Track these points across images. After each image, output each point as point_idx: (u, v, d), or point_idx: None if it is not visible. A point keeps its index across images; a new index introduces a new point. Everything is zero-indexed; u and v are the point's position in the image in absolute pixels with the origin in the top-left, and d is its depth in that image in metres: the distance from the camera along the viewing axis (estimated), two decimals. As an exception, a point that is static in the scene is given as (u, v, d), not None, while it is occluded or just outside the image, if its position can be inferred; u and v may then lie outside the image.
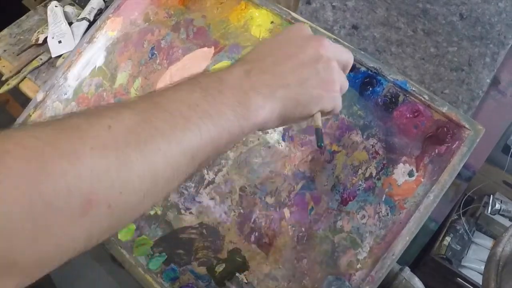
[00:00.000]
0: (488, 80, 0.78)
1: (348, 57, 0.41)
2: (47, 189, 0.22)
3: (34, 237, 0.22)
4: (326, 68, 0.37)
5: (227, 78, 0.34)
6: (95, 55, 0.77)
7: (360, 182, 0.53)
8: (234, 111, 0.32)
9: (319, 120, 0.39)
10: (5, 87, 0.91)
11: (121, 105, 0.30)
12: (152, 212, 0.63)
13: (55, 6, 0.96)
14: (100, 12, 0.97)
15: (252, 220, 0.57)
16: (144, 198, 0.28)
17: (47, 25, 0.96)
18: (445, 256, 1.08)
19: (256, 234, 0.56)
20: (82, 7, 1.01)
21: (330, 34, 0.60)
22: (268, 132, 0.60)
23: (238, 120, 0.33)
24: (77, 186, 0.24)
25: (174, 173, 0.29)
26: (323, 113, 0.39)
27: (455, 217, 1.16)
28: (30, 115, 0.77)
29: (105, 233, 0.27)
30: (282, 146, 0.58)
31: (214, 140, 0.31)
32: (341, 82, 0.39)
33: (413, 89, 0.54)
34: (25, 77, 0.92)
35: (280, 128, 0.59)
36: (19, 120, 0.77)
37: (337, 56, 0.39)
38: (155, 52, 0.72)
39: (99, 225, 0.26)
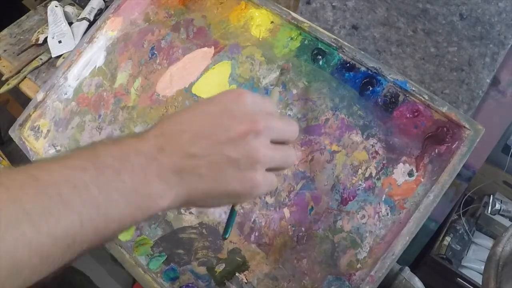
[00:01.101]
0: (488, 80, 0.78)
1: (290, 133, 0.35)
2: None
3: None
4: (251, 160, 0.30)
5: (130, 158, 0.29)
6: (95, 55, 0.77)
7: (360, 182, 0.53)
8: (128, 201, 0.28)
9: (234, 214, 0.35)
10: (5, 87, 0.91)
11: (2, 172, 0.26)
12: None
13: (55, 6, 0.96)
14: (100, 12, 0.97)
15: (252, 220, 0.57)
16: (3, 285, 0.24)
17: (47, 25, 0.96)
18: (445, 256, 1.08)
19: (256, 234, 0.56)
20: (82, 7, 1.01)
21: (330, 34, 0.60)
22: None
23: (130, 210, 0.28)
24: None
25: (44, 262, 0.25)
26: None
27: (455, 217, 1.16)
28: (30, 115, 0.77)
29: None
30: (282, 146, 0.58)
31: (98, 230, 0.27)
32: (277, 164, 0.33)
33: (413, 89, 0.54)
34: (25, 77, 0.92)
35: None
36: (20, 120, 0.77)
37: (274, 136, 0.32)
38: (155, 52, 0.72)
39: None
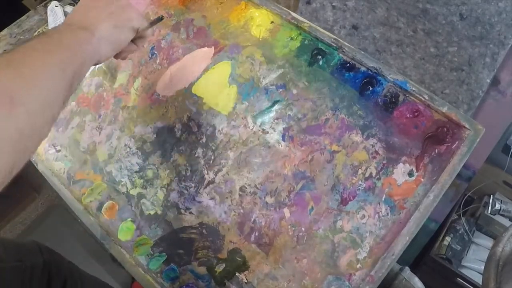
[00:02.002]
0: (488, 80, 0.78)
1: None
2: None
3: None
4: (120, 4, 0.51)
5: (61, 29, 0.45)
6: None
7: (360, 182, 0.53)
8: (77, 39, 0.44)
9: (144, 23, 0.54)
10: (5, 87, 0.91)
11: None
12: (152, 212, 0.63)
13: (55, 6, 0.96)
14: (100, 12, 0.97)
15: (252, 220, 0.57)
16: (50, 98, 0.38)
17: (47, 25, 0.96)
18: (445, 256, 1.09)
19: (256, 234, 0.56)
20: (82, 7, 1.00)
21: (330, 34, 0.60)
22: (268, 132, 0.60)
23: (81, 45, 0.44)
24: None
25: (56, 81, 0.39)
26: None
27: (455, 217, 1.16)
28: (30, 115, 0.77)
29: (28, 133, 0.34)
30: (282, 146, 0.58)
31: (66, 60, 0.41)
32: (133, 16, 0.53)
33: (413, 89, 0.54)
34: (25, 77, 0.92)
35: (280, 128, 0.59)
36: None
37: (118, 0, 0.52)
38: (155, 52, 0.72)
39: (22, 123, 0.34)
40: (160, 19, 0.57)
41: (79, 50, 0.43)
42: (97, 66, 0.76)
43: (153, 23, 0.56)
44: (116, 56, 0.55)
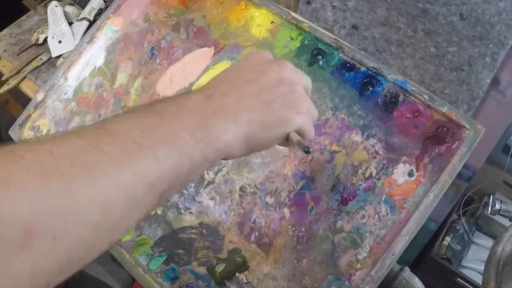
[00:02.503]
0: (488, 80, 0.78)
1: (308, 82, 0.39)
2: None
3: None
4: (290, 90, 0.36)
5: (185, 102, 0.32)
6: (95, 55, 0.77)
7: (360, 182, 0.53)
8: (193, 136, 0.30)
9: (296, 137, 0.36)
10: (5, 87, 0.91)
11: (67, 131, 0.28)
12: (152, 212, 0.63)
13: (55, 6, 0.96)
14: (100, 12, 0.97)
15: (252, 220, 0.57)
16: (96, 231, 0.25)
17: (47, 25, 0.96)
18: (445, 256, 1.08)
19: (256, 234, 0.56)
20: (82, 7, 1.01)
21: (330, 34, 0.60)
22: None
23: (198, 145, 0.30)
24: (13, 214, 0.21)
25: (131, 203, 0.26)
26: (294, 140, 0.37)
27: (455, 217, 1.16)
28: (30, 115, 0.77)
29: (55, 271, 0.23)
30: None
31: (174, 167, 0.29)
32: (308, 105, 0.38)
33: (413, 89, 0.54)
34: (25, 77, 0.92)
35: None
36: (20, 120, 0.77)
37: (300, 80, 0.38)
38: (155, 52, 0.72)
39: (45, 260, 0.22)
40: (307, 151, 0.36)
41: (191, 155, 0.30)
42: (97, 66, 0.76)
43: (299, 145, 0.37)
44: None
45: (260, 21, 0.66)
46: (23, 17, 1.05)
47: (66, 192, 0.23)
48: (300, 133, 0.37)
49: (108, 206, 0.25)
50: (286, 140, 0.37)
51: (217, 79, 0.37)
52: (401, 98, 0.55)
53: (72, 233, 0.23)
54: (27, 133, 0.77)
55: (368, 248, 0.50)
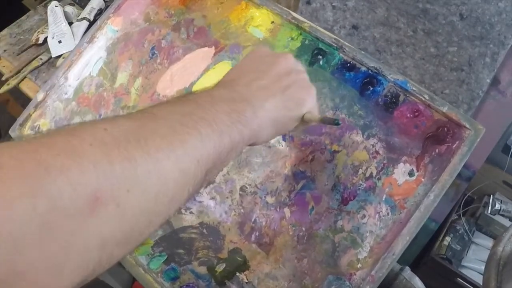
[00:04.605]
0: (488, 80, 0.78)
1: (305, 70, 0.44)
2: (50, 186, 0.21)
3: (40, 243, 0.20)
4: (300, 77, 0.41)
5: (215, 93, 0.36)
6: (95, 55, 0.77)
7: (360, 182, 0.53)
8: (229, 117, 0.33)
9: (315, 114, 0.42)
10: (5, 87, 0.91)
11: (115, 116, 0.30)
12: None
13: (55, 6, 0.96)
14: (100, 12, 0.97)
15: (253, 220, 0.57)
16: (156, 201, 0.26)
17: (47, 25, 0.96)
18: (445, 256, 1.09)
19: (257, 233, 0.56)
20: (82, 7, 1.01)
21: (330, 34, 0.60)
22: (268, 132, 0.60)
23: (235, 125, 0.33)
24: (81, 183, 0.22)
25: (182, 176, 0.28)
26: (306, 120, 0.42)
27: (455, 217, 1.16)
28: (31, 115, 0.77)
29: (119, 240, 0.25)
30: (282, 146, 0.58)
31: (216, 145, 0.31)
32: (314, 89, 0.43)
33: (414, 89, 0.54)
34: (25, 77, 0.92)
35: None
36: (20, 120, 0.77)
37: (302, 68, 0.43)
38: (156, 52, 0.72)
39: (111, 226, 0.24)
40: (336, 123, 0.41)
41: (230, 133, 0.32)
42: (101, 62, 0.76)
43: (324, 121, 0.42)
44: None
45: (261, 21, 0.66)
46: (23, 17, 1.05)
47: (126, 163, 0.25)
48: (311, 112, 0.42)
49: (164, 177, 0.27)
50: (301, 121, 0.42)
51: (232, 74, 0.40)
52: (401, 98, 0.55)
53: (134, 202, 0.25)
54: (27, 133, 0.77)
55: (369, 248, 0.50)
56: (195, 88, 0.66)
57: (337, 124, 0.41)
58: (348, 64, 0.59)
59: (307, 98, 0.41)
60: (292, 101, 0.40)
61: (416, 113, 0.54)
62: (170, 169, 0.28)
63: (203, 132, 0.30)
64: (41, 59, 0.93)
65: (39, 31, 0.98)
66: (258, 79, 0.38)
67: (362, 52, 0.58)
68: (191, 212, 0.60)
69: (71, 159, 0.22)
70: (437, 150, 0.51)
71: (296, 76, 0.41)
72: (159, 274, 0.59)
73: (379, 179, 0.53)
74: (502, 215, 1.12)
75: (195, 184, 0.30)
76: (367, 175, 0.53)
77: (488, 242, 1.12)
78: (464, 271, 1.06)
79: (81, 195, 0.22)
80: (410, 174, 0.51)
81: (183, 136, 0.29)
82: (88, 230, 0.22)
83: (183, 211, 0.61)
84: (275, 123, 0.38)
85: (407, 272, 0.54)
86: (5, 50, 0.97)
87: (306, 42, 0.62)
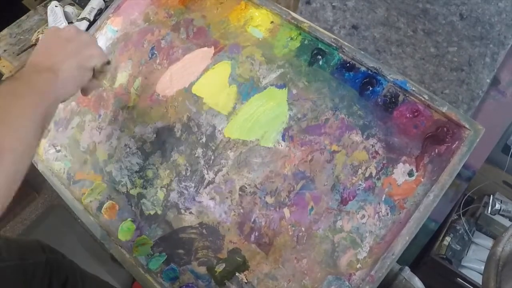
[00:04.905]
0: (488, 80, 0.78)
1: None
2: None
3: None
4: (82, 39, 0.53)
5: (29, 76, 0.47)
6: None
7: (360, 182, 0.53)
8: (41, 84, 0.46)
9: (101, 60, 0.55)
10: (5, 87, 0.91)
11: None
12: (152, 212, 0.63)
13: (55, 6, 0.96)
14: (100, 12, 0.97)
15: (252, 220, 0.57)
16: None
17: (47, 25, 0.96)
18: (445, 256, 1.09)
19: (256, 234, 0.56)
20: (82, 7, 1.01)
21: (330, 34, 0.60)
22: (268, 131, 0.60)
23: (46, 86, 0.46)
24: None
25: (30, 119, 0.42)
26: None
27: (455, 217, 1.16)
28: (30, 115, 0.77)
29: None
30: (282, 146, 0.58)
31: (39, 104, 0.44)
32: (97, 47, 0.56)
33: (413, 89, 0.54)
34: (25, 77, 0.92)
35: (280, 128, 0.59)
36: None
37: (81, 30, 0.56)
38: (155, 52, 0.72)
39: (10, 169, 0.37)
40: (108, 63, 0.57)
41: (46, 91, 0.46)
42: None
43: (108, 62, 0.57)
44: (82, 93, 0.56)
45: (260, 21, 0.66)
46: (23, 17, 1.05)
47: None
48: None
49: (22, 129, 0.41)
50: (97, 71, 0.55)
51: (37, 55, 0.51)
52: (401, 98, 0.55)
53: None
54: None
55: (368, 248, 0.50)
56: (194, 88, 0.66)
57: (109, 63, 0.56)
58: (348, 64, 0.59)
59: (92, 52, 0.53)
60: (81, 59, 0.51)
61: (416, 113, 0.54)
62: (23, 119, 0.41)
63: (24, 92, 0.44)
64: (41, 59, 0.93)
65: (39, 31, 0.98)
66: (53, 55, 0.50)
67: (362, 52, 0.58)
68: (190, 213, 0.60)
69: None
70: (436, 150, 0.51)
71: (78, 39, 0.53)
72: (158, 274, 0.59)
73: (378, 179, 0.53)
74: (502, 215, 1.12)
75: (42, 125, 0.44)
76: (367, 175, 0.53)
77: (488, 242, 1.12)
78: (464, 271, 1.06)
79: None
80: (410, 174, 0.51)
81: (20, 100, 0.42)
82: None
83: (182, 211, 0.61)
84: (73, 79, 0.50)
85: (407, 272, 0.54)
86: (5, 50, 0.97)
87: (306, 42, 0.62)
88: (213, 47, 0.68)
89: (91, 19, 0.95)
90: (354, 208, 0.52)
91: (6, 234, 1.43)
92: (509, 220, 1.12)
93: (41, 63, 0.50)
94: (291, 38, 0.63)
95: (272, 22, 0.65)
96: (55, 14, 0.95)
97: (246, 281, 0.55)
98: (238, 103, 0.63)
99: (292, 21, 0.63)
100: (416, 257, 1.09)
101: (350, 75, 0.58)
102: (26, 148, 0.40)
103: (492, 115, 0.83)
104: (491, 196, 1.15)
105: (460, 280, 1.04)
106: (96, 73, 0.55)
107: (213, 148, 0.62)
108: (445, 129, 0.51)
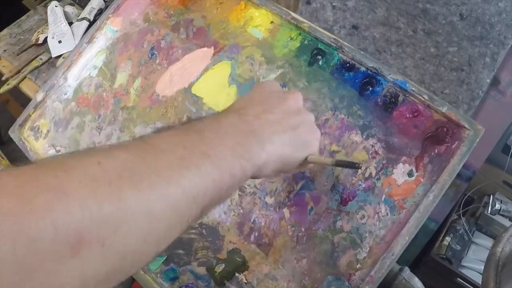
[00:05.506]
0: (488, 80, 0.78)
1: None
2: (31, 226, 0.20)
3: (18, 284, 0.20)
4: (308, 119, 0.41)
5: (222, 120, 0.34)
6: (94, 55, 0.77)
7: (359, 182, 0.53)
8: (233, 151, 0.31)
9: (321, 158, 0.43)
10: (5, 87, 0.91)
11: (112, 145, 0.28)
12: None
13: (55, 6, 0.96)
14: (100, 12, 0.97)
15: (252, 220, 0.57)
16: (144, 241, 0.25)
17: (47, 25, 0.96)
18: (445, 256, 1.08)
19: (256, 234, 0.56)
20: (82, 7, 1.01)
21: (330, 34, 0.60)
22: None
23: (238, 161, 0.31)
24: (65, 223, 0.21)
25: (174, 216, 0.27)
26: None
27: (455, 217, 1.16)
28: (30, 115, 0.77)
29: (101, 279, 0.23)
30: (281, 146, 0.58)
31: (216, 182, 0.29)
32: (319, 133, 0.44)
33: (413, 89, 0.54)
34: (25, 77, 0.92)
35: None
36: (19, 120, 0.77)
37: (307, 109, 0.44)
38: (155, 52, 0.72)
39: (93, 267, 0.22)
40: (357, 167, 0.43)
41: (232, 170, 0.31)
42: (97, 67, 0.76)
43: (339, 164, 0.44)
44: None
45: (260, 21, 0.66)
46: (23, 17, 1.05)
47: (115, 202, 0.23)
48: (314, 154, 0.41)
49: (154, 219, 0.26)
50: (303, 163, 0.41)
51: (244, 102, 0.39)
52: (400, 98, 0.55)
53: (120, 242, 0.24)
54: (27, 133, 0.77)
55: (368, 248, 0.50)
56: (194, 88, 0.66)
57: (358, 167, 0.40)
58: (348, 64, 0.58)
59: (313, 141, 0.41)
60: (300, 141, 0.39)
61: (416, 113, 0.54)
62: (163, 208, 0.26)
63: (202, 169, 0.29)
64: (41, 59, 0.94)
65: (39, 31, 0.98)
66: (267, 112, 0.37)
67: (362, 52, 0.58)
68: (190, 213, 0.60)
69: (57, 198, 0.21)
70: (436, 150, 0.51)
71: (305, 117, 0.41)
72: (158, 275, 0.59)
73: (378, 179, 0.53)
74: (502, 215, 1.12)
75: (189, 222, 0.29)
76: (366, 175, 0.53)
77: (488, 242, 1.12)
78: (464, 271, 1.06)
79: (63, 237, 0.21)
80: (410, 174, 0.51)
81: (180, 172, 0.27)
82: (68, 270, 0.21)
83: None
84: (280, 159, 0.37)
85: (407, 272, 0.54)
86: (5, 50, 0.97)
87: (306, 42, 0.62)
88: (212, 47, 0.68)
89: (91, 19, 0.95)
90: (353, 209, 0.52)
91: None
92: (509, 220, 1.12)
93: (248, 121, 0.36)
94: (291, 38, 0.63)
95: (272, 22, 0.65)
96: (55, 14, 0.95)
97: (245, 282, 0.55)
98: (238, 103, 0.63)
99: (292, 21, 0.63)
100: (416, 257, 1.09)
101: (350, 75, 0.58)
102: (141, 247, 0.26)
103: (492, 115, 0.83)
104: (491, 196, 1.15)
105: (460, 280, 1.04)
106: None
107: (213, 148, 0.62)
108: (445, 129, 0.51)
